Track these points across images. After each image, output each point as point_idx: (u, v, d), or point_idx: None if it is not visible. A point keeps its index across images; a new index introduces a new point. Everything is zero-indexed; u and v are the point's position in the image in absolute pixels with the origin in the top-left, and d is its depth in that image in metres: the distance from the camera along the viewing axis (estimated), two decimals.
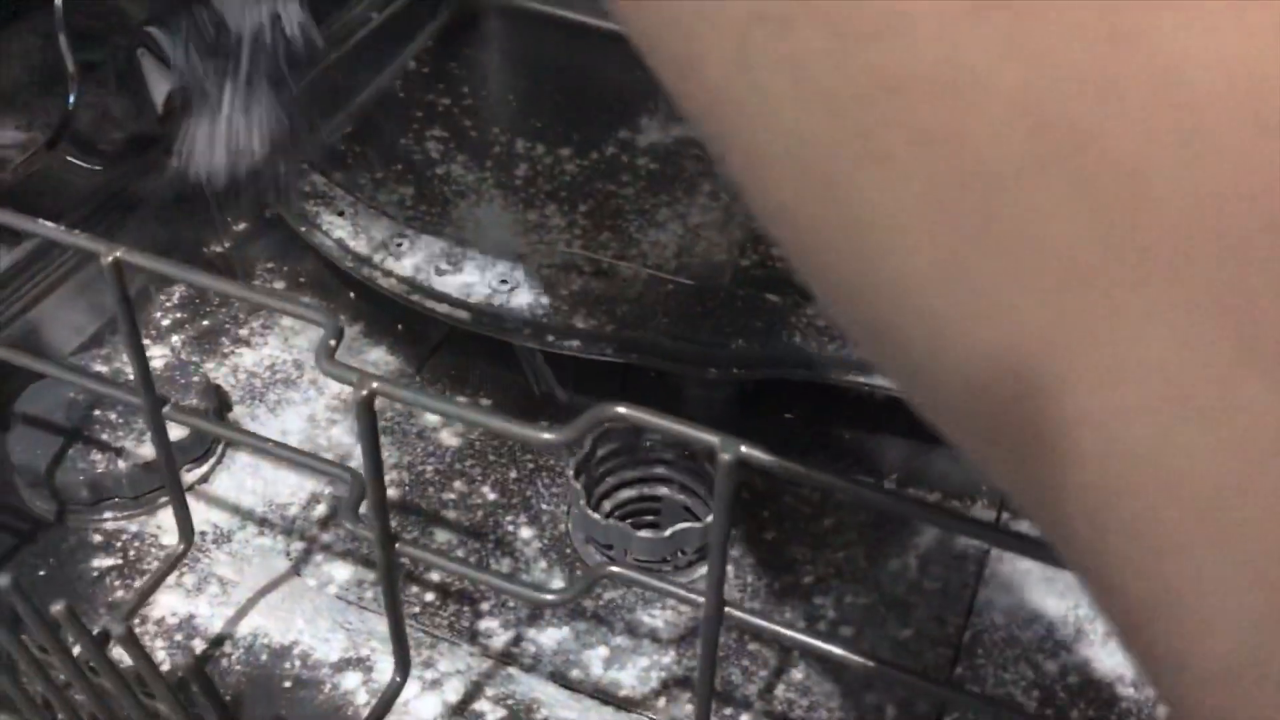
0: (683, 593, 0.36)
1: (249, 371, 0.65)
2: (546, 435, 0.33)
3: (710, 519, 0.55)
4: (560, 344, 0.62)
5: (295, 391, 0.64)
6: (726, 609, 0.36)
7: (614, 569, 0.37)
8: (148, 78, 0.69)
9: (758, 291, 0.65)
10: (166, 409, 0.42)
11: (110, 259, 0.38)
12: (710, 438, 0.32)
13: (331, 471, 0.40)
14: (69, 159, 0.66)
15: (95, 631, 0.38)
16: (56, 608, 0.33)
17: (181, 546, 0.48)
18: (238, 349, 0.66)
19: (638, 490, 0.61)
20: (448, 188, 0.78)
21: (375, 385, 0.33)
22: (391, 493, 0.60)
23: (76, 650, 0.36)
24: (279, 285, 0.71)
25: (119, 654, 0.38)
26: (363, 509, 0.40)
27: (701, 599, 0.36)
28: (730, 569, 0.57)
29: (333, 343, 0.35)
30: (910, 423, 0.64)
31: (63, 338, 0.65)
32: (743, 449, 0.32)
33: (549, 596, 0.38)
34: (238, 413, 0.63)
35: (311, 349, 0.66)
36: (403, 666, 0.42)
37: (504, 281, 0.64)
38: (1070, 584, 0.56)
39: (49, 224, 0.40)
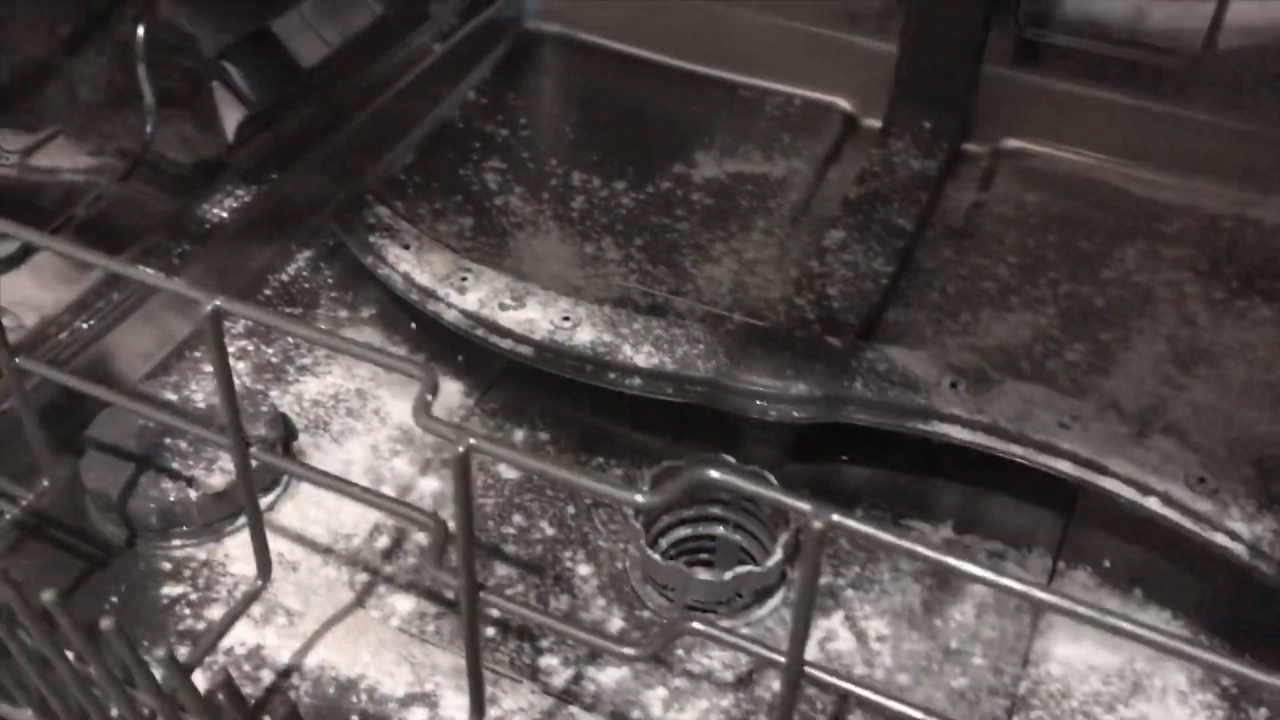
0: (765, 652, 0.37)
1: (313, 400, 0.66)
2: (640, 498, 0.34)
3: (771, 563, 0.56)
4: (622, 382, 0.63)
5: (359, 421, 0.65)
6: (807, 668, 0.36)
7: (695, 625, 0.38)
8: (220, 108, 0.71)
9: (818, 333, 0.65)
10: (254, 450, 0.43)
11: (210, 308, 0.39)
12: (803, 505, 0.33)
13: (417, 519, 0.41)
14: (144, 185, 0.67)
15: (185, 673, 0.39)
16: (160, 653, 0.34)
17: (259, 583, 0.49)
18: (302, 378, 0.67)
19: (693, 529, 0.62)
20: (506, 219, 0.79)
21: (473, 442, 0.34)
22: (452, 526, 0.60)
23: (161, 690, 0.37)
24: (343, 314, 0.72)
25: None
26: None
27: (783, 659, 0.36)
28: (788, 611, 0.57)
29: (429, 398, 0.36)
30: (967, 469, 0.65)
31: (131, 364, 0.66)
32: (834, 517, 0.33)
33: (630, 651, 0.39)
34: (303, 441, 0.64)
35: (374, 379, 0.67)
36: (478, 710, 0.43)
37: (566, 318, 0.65)
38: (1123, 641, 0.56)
39: (148, 270, 0.41)
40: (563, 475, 0.35)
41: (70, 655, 0.39)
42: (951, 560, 0.32)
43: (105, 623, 0.34)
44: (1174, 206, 0.80)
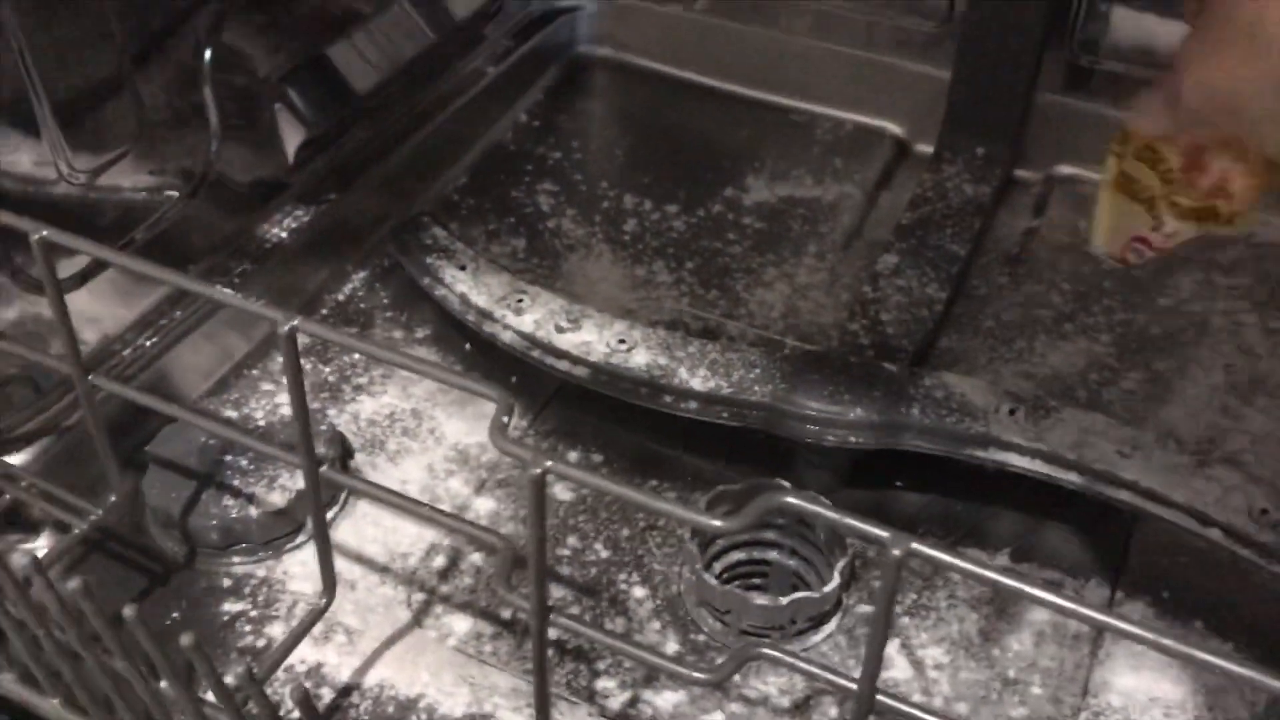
0: (838, 679, 0.37)
1: (369, 420, 0.67)
2: (718, 523, 0.34)
3: (828, 588, 0.56)
4: (677, 406, 0.63)
5: (414, 441, 0.65)
6: (879, 694, 0.36)
7: (766, 650, 0.38)
8: (281, 129, 0.72)
9: (873, 359, 0.65)
10: (323, 470, 0.44)
11: (286, 329, 0.39)
12: (882, 533, 0.33)
13: (486, 539, 0.41)
14: (205, 205, 0.68)
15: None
16: (229, 678, 0.34)
17: (324, 601, 0.49)
18: (358, 397, 0.68)
19: (747, 553, 0.62)
20: (558, 241, 0.79)
21: (549, 464, 0.35)
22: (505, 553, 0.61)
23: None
24: (398, 334, 0.72)
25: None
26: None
27: (854, 686, 0.36)
28: (842, 638, 0.57)
29: (506, 419, 0.36)
30: (1022, 497, 0.64)
31: (191, 382, 0.67)
32: (913, 545, 0.33)
33: (700, 675, 0.39)
34: (359, 460, 0.64)
35: (429, 399, 0.68)
36: None
37: (622, 341, 0.65)
38: (1186, 669, 0.55)
39: (227, 291, 0.42)
40: (640, 499, 0.35)
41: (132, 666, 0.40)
42: (1029, 589, 0.32)
43: (185, 638, 0.35)
44: (1230, 236, 0.79)
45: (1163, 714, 0.54)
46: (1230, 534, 0.55)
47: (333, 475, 0.44)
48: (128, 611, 0.35)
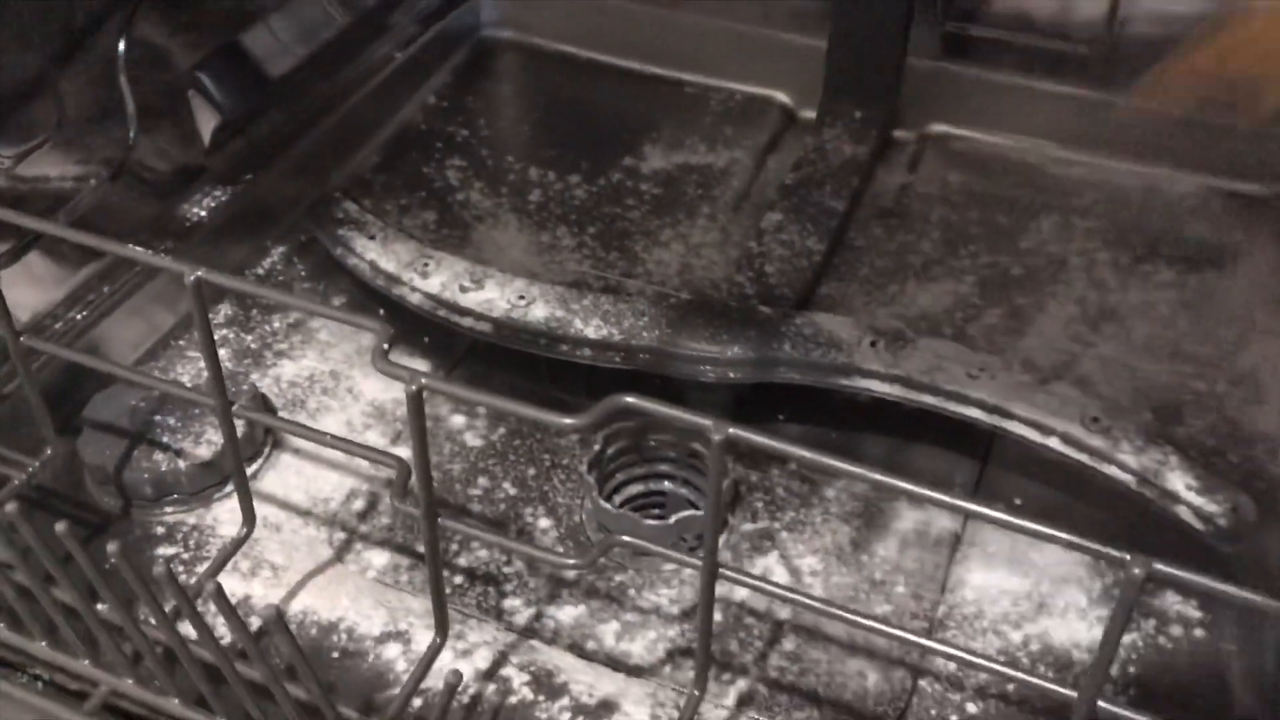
0: (681, 557, 0.42)
1: (290, 381, 0.71)
2: (568, 420, 0.40)
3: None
4: (573, 353, 0.68)
5: (333, 399, 0.71)
6: (720, 569, 0.42)
7: (624, 538, 0.43)
8: (197, 115, 0.77)
9: (752, 304, 0.71)
10: (235, 407, 0.49)
11: (192, 278, 0.44)
12: (704, 421, 0.39)
13: (382, 460, 0.46)
14: (126, 190, 0.73)
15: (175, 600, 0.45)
16: (159, 569, 0.39)
17: (245, 530, 0.54)
18: (280, 361, 0.73)
19: (644, 485, 0.67)
20: (467, 212, 0.85)
21: (424, 381, 0.40)
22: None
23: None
24: (315, 301, 0.77)
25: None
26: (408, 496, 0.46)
27: (699, 562, 0.42)
28: (728, 554, 0.63)
29: (386, 346, 0.41)
30: (891, 423, 0.71)
31: (121, 353, 0.71)
32: (730, 429, 0.38)
33: (571, 561, 0.44)
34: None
35: (346, 361, 0.73)
36: (442, 629, 0.49)
37: (521, 297, 0.70)
38: (1034, 562, 0.62)
39: (139, 249, 0.47)
40: (501, 404, 0.40)
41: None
42: (831, 460, 0.38)
43: (111, 546, 0.40)
44: (1086, 182, 0.86)
45: (1010, 603, 0.61)
46: (1066, 440, 0.62)
47: (244, 413, 0.49)
48: (60, 528, 0.40)
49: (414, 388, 0.40)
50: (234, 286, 0.45)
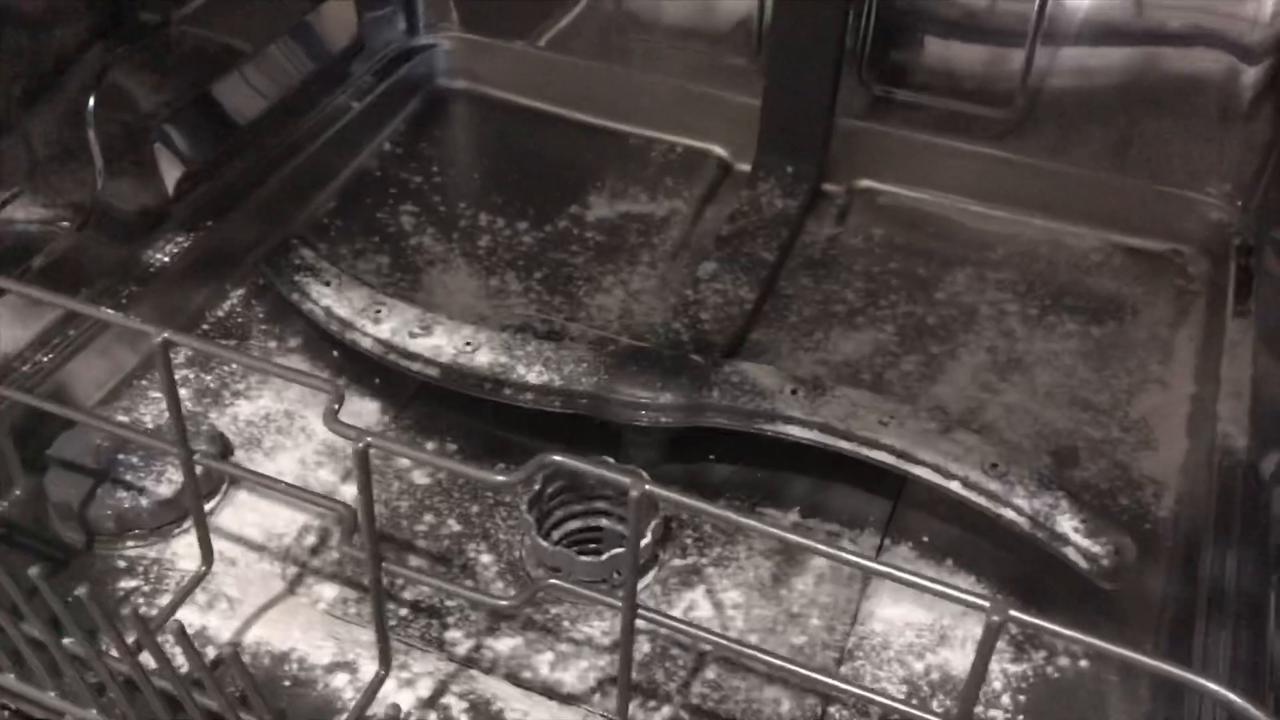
0: (603, 599, 0.47)
1: (247, 420, 0.75)
2: (499, 478, 0.44)
3: (641, 544, 0.66)
4: (516, 397, 0.73)
5: (287, 438, 0.75)
6: (640, 610, 0.47)
7: (552, 581, 0.48)
8: (161, 165, 0.81)
9: (685, 352, 0.76)
10: (197, 456, 0.53)
11: (160, 339, 0.48)
12: (623, 479, 0.43)
13: (333, 506, 0.51)
14: (93, 235, 0.77)
15: (131, 639, 0.49)
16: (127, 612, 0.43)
17: (204, 568, 0.58)
18: (236, 401, 0.77)
19: (582, 522, 0.72)
20: (419, 257, 0.89)
21: (370, 440, 0.44)
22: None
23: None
24: (272, 345, 0.81)
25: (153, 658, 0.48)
26: (355, 538, 0.51)
27: (619, 604, 0.47)
28: (658, 587, 0.68)
29: (336, 407, 0.46)
30: (811, 465, 0.77)
31: (85, 393, 0.75)
32: (647, 486, 0.43)
33: (504, 602, 0.49)
34: (238, 456, 0.73)
35: (300, 401, 0.77)
36: (385, 662, 0.53)
37: (468, 344, 0.75)
38: (935, 602, 0.67)
39: (109, 311, 0.51)
40: (439, 462, 0.45)
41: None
42: (733, 516, 0.43)
43: (81, 590, 0.44)
44: (1000, 236, 0.92)
45: (915, 635, 0.66)
46: (966, 485, 0.67)
47: (204, 461, 0.53)
48: (33, 571, 0.44)
49: (361, 446, 0.44)
50: (200, 347, 0.49)
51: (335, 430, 0.45)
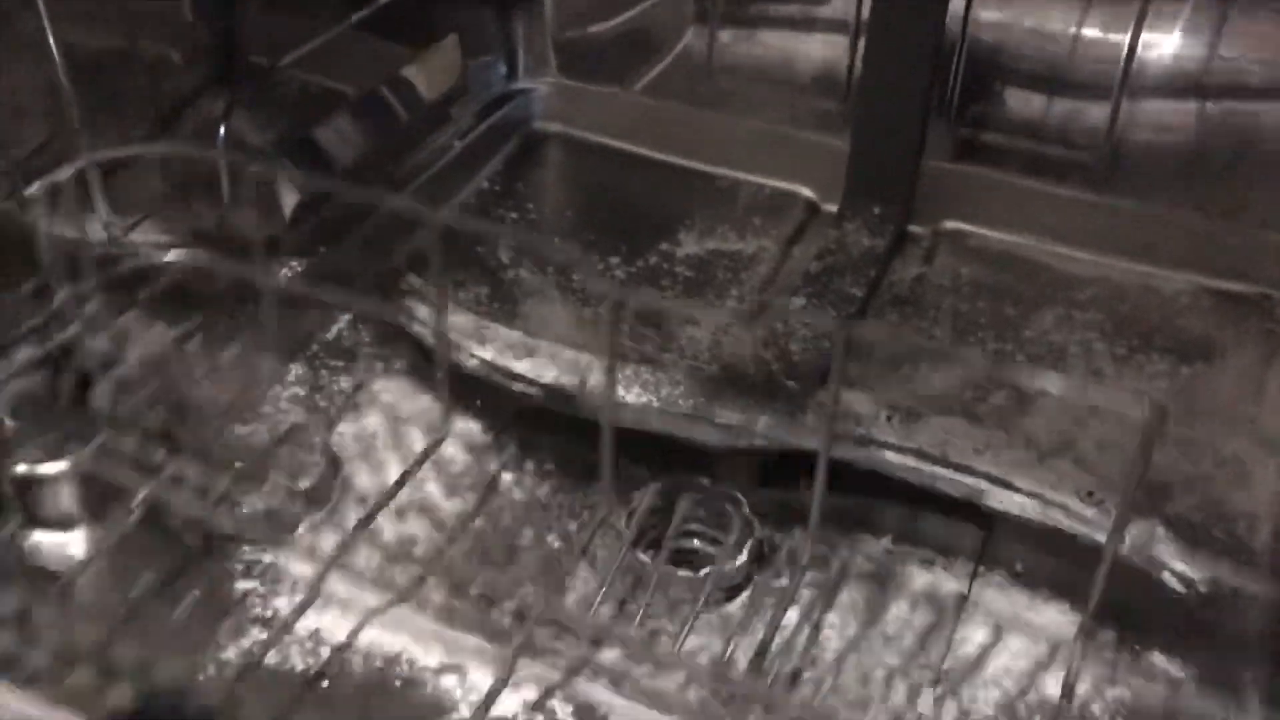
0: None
1: (355, 436, 0.78)
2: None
3: (737, 563, 0.68)
4: (614, 419, 0.75)
5: (394, 453, 0.77)
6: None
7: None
8: (280, 192, 0.85)
9: (778, 379, 0.78)
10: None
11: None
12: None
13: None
14: (214, 258, 0.81)
15: None
16: None
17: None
18: (346, 416, 0.80)
19: (678, 542, 0.74)
20: (517, 289, 0.92)
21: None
22: (471, 542, 0.73)
23: None
24: (379, 366, 0.84)
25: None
26: None
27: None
28: (750, 608, 0.69)
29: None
30: (904, 492, 0.78)
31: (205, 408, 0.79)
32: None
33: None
34: (347, 470, 0.76)
35: (408, 419, 0.80)
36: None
37: (568, 365, 0.77)
38: (1029, 622, 0.68)
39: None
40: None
41: None
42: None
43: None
44: (1086, 278, 0.93)
45: (1010, 659, 0.66)
46: (1064, 512, 0.68)
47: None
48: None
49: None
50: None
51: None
